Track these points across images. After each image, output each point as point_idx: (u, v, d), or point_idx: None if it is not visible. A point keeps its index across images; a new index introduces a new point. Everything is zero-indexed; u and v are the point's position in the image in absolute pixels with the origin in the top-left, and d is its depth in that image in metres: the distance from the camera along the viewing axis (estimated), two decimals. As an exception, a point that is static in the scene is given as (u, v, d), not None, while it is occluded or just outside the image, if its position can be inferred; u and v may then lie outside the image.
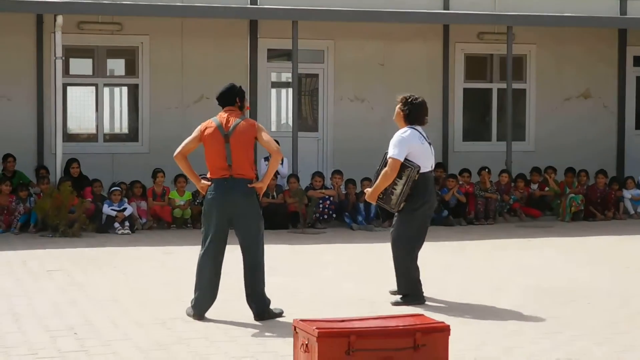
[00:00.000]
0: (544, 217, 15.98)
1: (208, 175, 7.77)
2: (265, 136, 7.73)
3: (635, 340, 7.21)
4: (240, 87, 7.96)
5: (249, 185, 7.67)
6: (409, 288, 8.48)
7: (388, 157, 8.38)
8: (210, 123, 7.77)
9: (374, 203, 8.66)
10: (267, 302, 7.82)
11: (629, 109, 18.11)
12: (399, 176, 8.31)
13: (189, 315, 7.78)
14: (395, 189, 8.34)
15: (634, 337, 7.32)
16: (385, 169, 8.36)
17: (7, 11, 14.73)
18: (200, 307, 7.74)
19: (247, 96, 8.67)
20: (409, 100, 8.56)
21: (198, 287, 7.76)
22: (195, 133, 7.82)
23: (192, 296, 7.82)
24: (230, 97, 7.82)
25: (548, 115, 17.77)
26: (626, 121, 18.05)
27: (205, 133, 7.72)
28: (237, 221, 7.68)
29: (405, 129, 8.47)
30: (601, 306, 8.49)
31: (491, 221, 15.34)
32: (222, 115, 7.77)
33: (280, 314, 7.83)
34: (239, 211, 7.65)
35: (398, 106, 8.61)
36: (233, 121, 7.69)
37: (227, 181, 7.63)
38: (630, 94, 18.12)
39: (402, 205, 8.39)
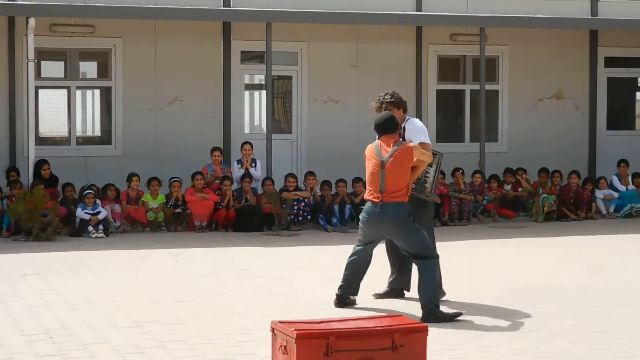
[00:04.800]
0: (518, 218, 16.06)
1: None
2: (418, 153, 8.18)
3: (611, 339, 7.27)
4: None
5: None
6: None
7: (419, 143, 8.35)
8: (371, 148, 8.22)
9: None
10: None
11: (600, 109, 18.23)
12: (429, 164, 8.45)
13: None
14: (428, 177, 8.55)
15: (609, 335, 7.38)
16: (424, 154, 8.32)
17: (-21, 14, 14.63)
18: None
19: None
20: (392, 98, 8.55)
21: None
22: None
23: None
24: (393, 126, 8.19)
25: (521, 116, 17.86)
26: (598, 122, 18.16)
27: (367, 157, 8.24)
28: (393, 236, 8.27)
29: (413, 119, 8.71)
30: (575, 305, 8.55)
31: (465, 222, 15.40)
32: (381, 143, 8.14)
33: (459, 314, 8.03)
34: (391, 231, 8.16)
35: (384, 108, 8.50)
36: (390, 148, 8.05)
37: (377, 207, 8.03)
38: (601, 95, 18.24)
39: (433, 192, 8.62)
